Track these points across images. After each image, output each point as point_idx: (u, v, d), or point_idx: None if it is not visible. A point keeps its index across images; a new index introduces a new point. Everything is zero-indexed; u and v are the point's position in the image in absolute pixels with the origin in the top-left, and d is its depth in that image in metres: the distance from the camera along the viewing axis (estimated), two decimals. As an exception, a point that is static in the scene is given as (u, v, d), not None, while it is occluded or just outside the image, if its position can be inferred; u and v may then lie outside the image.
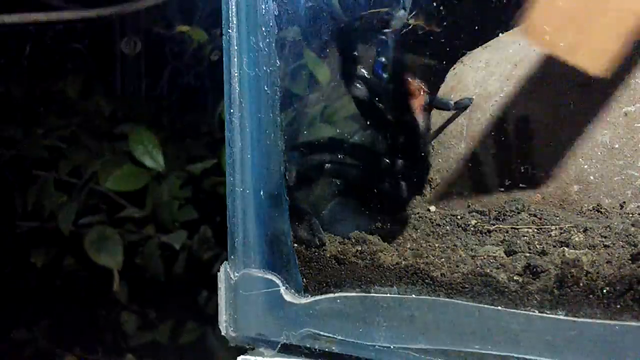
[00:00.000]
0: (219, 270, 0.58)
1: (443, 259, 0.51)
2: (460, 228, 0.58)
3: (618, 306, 0.41)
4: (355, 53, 0.62)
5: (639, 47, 0.53)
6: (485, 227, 0.57)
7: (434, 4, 0.64)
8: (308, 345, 0.53)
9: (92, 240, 1.35)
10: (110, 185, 1.34)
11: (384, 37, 0.61)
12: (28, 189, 1.42)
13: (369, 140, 0.75)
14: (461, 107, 0.64)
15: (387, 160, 0.64)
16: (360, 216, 0.60)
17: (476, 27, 0.65)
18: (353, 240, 0.58)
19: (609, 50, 0.48)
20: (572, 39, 0.48)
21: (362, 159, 0.63)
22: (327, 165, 0.64)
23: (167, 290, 1.43)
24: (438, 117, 0.67)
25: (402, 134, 0.64)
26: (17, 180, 1.46)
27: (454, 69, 0.69)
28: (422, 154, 0.66)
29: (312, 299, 0.52)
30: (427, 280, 0.48)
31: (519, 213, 0.57)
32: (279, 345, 0.54)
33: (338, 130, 0.79)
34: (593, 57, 0.48)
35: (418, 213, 0.62)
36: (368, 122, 0.67)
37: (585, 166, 0.55)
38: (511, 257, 0.50)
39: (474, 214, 0.60)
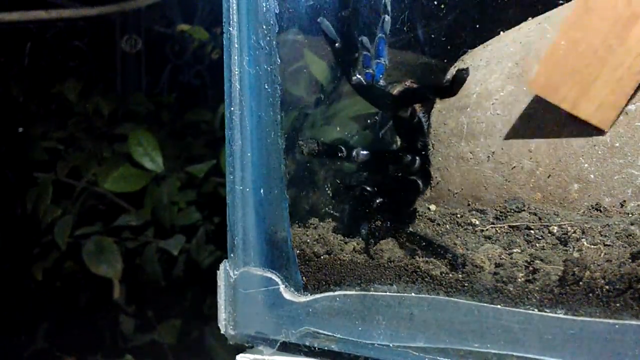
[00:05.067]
0: (218, 269, 0.58)
1: (443, 258, 0.51)
2: (460, 227, 0.58)
3: (618, 305, 0.41)
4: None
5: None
6: (485, 225, 0.56)
7: (435, 2, 0.64)
8: (307, 344, 0.52)
9: (90, 252, 1.35)
10: (109, 185, 1.34)
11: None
12: (27, 192, 1.42)
13: (369, 140, 0.75)
14: (460, 80, 0.53)
15: (391, 159, 0.64)
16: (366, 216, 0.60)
17: (477, 26, 0.65)
18: (352, 239, 0.58)
19: (611, 104, 0.52)
20: (577, 93, 0.53)
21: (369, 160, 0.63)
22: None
23: (166, 293, 1.43)
24: (438, 115, 0.67)
25: (404, 132, 0.64)
26: (17, 182, 1.46)
27: (454, 67, 0.69)
28: (423, 152, 0.65)
29: (312, 297, 0.52)
30: (426, 279, 0.48)
31: (519, 212, 0.57)
32: (278, 344, 0.54)
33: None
34: (596, 110, 0.53)
35: (418, 212, 0.62)
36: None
37: (586, 165, 0.55)
38: (511, 256, 0.50)
39: (474, 212, 0.60)
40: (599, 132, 0.54)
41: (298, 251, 0.55)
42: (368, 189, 0.60)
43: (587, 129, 0.54)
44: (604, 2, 0.52)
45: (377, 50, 0.64)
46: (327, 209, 0.67)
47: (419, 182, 0.63)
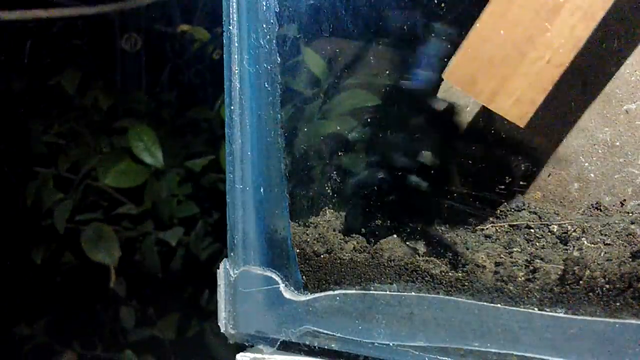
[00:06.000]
0: (218, 268, 0.58)
1: (443, 257, 0.51)
2: (461, 226, 0.58)
3: (618, 304, 0.41)
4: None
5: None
6: (486, 224, 0.56)
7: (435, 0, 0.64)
8: (307, 343, 0.53)
9: (88, 238, 1.36)
10: (110, 181, 1.35)
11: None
12: (27, 186, 1.43)
13: (367, 136, 0.75)
14: None
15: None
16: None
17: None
18: (353, 238, 0.58)
19: (528, 99, 0.50)
20: (494, 86, 0.51)
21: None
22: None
23: (165, 286, 1.43)
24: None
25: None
26: (17, 176, 1.47)
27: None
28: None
29: (312, 296, 0.52)
30: (426, 278, 0.48)
31: (519, 211, 0.57)
32: (278, 343, 0.54)
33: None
34: (512, 105, 0.50)
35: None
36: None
37: (586, 164, 0.55)
38: (511, 255, 0.50)
39: (474, 211, 0.60)
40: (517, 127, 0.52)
41: (298, 250, 0.55)
42: (384, 187, 0.59)
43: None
44: None
45: None
46: (329, 207, 0.67)
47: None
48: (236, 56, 0.55)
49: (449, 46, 0.66)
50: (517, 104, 0.50)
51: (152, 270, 1.39)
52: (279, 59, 0.55)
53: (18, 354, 1.51)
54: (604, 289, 0.42)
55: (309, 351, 0.53)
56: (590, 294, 0.42)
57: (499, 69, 0.50)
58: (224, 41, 0.56)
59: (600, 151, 0.55)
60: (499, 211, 0.58)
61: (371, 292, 0.50)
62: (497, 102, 0.51)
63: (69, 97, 1.50)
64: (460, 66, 0.52)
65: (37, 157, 1.47)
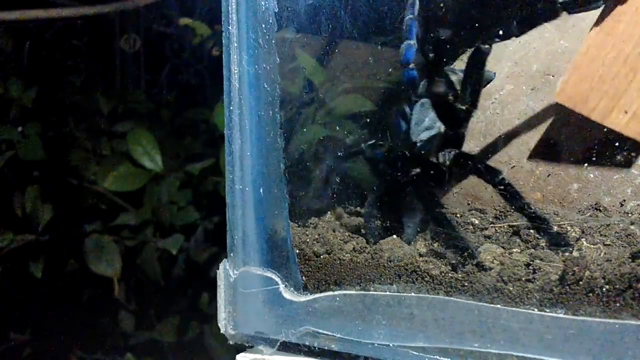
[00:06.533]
0: (218, 269, 0.58)
1: (443, 257, 0.51)
2: (460, 226, 0.58)
3: (618, 305, 0.41)
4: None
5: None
6: (485, 225, 0.56)
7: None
8: (307, 343, 0.52)
9: (90, 250, 1.36)
10: (109, 185, 1.35)
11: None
12: (25, 191, 1.42)
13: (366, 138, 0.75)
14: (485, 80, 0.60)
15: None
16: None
17: (476, 25, 0.65)
18: (352, 237, 0.58)
19: None
20: (607, 103, 0.51)
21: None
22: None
23: (166, 292, 1.43)
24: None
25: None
26: (17, 181, 1.46)
27: (454, 66, 0.69)
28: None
29: (312, 296, 0.52)
30: (426, 278, 0.48)
31: (519, 211, 0.56)
32: (278, 343, 0.54)
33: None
34: (629, 120, 0.51)
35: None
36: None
37: (585, 164, 0.55)
38: (511, 255, 0.50)
39: (474, 212, 0.60)
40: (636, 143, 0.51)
41: (298, 250, 0.55)
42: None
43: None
44: (634, 7, 0.50)
45: (408, 33, 0.62)
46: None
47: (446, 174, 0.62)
48: (235, 56, 0.55)
49: (448, 47, 0.66)
50: (634, 120, 0.51)
51: (153, 277, 1.39)
52: (277, 59, 0.55)
53: (19, 358, 1.50)
54: (604, 289, 0.42)
55: (309, 352, 0.53)
56: (590, 294, 0.42)
57: (610, 86, 0.51)
58: (223, 41, 0.56)
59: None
60: (498, 211, 0.58)
61: (371, 292, 0.50)
62: (611, 119, 0.51)
63: (69, 98, 1.50)
64: (570, 86, 0.53)
65: (37, 161, 1.47)
